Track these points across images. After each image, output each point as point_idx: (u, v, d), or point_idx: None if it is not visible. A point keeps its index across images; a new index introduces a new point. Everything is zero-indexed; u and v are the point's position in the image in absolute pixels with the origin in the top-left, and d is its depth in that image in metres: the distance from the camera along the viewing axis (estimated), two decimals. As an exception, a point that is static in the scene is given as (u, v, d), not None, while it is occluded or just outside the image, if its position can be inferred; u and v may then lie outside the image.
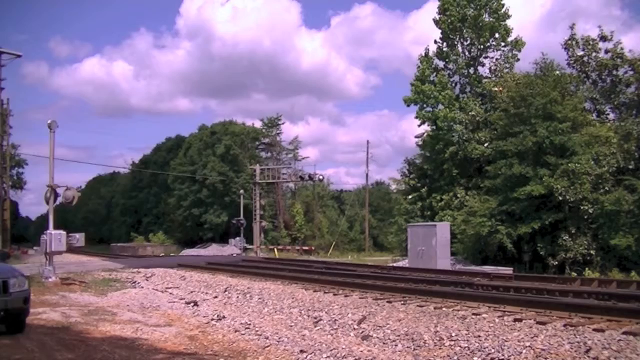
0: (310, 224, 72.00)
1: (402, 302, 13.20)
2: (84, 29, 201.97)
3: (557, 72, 33.74)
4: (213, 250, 56.64)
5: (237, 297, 16.48)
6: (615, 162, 30.06)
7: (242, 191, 58.63)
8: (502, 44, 41.01)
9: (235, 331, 11.77)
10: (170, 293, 18.61)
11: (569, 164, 28.89)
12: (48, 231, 22.12)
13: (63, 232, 22.61)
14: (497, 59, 41.14)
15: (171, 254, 56.71)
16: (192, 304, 15.62)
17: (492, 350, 8.63)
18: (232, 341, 10.83)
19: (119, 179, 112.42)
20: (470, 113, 38.04)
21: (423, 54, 43.21)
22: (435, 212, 39.24)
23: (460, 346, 9.09)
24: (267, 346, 10.26)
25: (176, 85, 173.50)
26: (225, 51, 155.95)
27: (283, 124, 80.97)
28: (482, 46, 41.16)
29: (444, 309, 12.05)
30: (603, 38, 34.99)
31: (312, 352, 9.56)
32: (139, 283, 21.50)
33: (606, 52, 34.86)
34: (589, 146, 29.96)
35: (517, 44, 40.90)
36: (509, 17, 40.51)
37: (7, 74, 43.19)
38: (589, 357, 7.91)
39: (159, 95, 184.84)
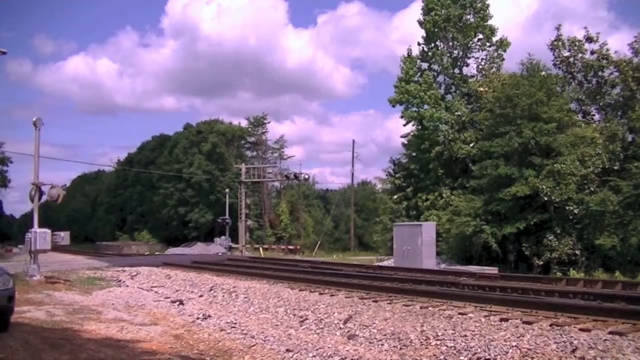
0: (295, 223, 72.15)
1: (388, 302, 13.17)
2: (68, 26, 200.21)
3: (543, 72, 33.86)
4: (198, 249, 56.42)
5: (223, 296, 16.40)
6: (601, 163, 30.25)
7: (227, 190, 58.56)
8: (487, 44, 41.29)
9: (221, 330, 11.74)
10: (156, 292, 18.51)
11: (555, 165, 29.02)
12: (33, 229, 21.86)
13: (48, 231, 22.35)
14: (482, 59, 41.38)
15: (156, 253, 56.44)
16: (177, 303, 15.53)
17: (479, 350, 8.64)
18: (217, 340, 10.80)
19: (104, 177, 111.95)
20: (456, 113, 38.17)
21: (406, 55, 43.43)
22: (421, 211, 39.37)
23: (446, 346, 9.09)
24: (253, 345, 10.23)
25: (161, 83, 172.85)
26: (210, 50, 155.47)
27: (269, 123, 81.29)
28: (466, 46, 41.36)
29: (430, 308, 12.03)
30: (589, 39, 35.10)
31: (298, 352, 9.55)
32: (124, 282, 21.34)
33: (592, 53, 34.95)
34: (575, 147, 30.08)
35: (503, 44, 41.19)
36: (491, 17, 40.85)
37: (-10, 71, 42.84)
38: (575, 356, 7.93)
39: (144, 94, 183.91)
